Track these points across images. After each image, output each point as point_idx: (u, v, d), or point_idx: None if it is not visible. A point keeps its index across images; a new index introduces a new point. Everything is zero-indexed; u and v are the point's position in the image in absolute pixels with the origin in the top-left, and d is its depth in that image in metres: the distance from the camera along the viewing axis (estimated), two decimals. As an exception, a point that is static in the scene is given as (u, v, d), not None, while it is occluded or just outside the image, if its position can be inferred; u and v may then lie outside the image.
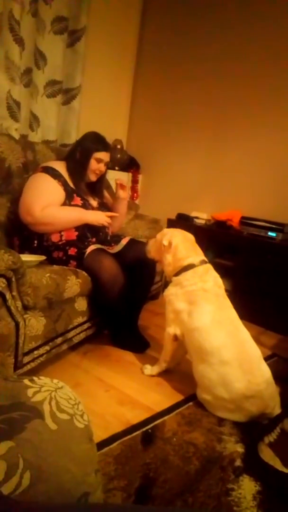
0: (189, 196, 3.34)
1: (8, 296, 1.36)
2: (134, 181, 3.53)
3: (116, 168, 3.34)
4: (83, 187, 2.05)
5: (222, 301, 1.63)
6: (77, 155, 2.02)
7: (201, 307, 1.58)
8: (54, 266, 1.76)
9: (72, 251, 1.88)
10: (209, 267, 1.72)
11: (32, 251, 1.88)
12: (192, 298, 1.62)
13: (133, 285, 1.94)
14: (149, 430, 1.41)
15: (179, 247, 1.72)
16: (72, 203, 1.95)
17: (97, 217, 1.95)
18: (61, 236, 1.89)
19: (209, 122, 3.18)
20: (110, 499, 1.08)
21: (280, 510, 1.12)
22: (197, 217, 3.11)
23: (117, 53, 3.37)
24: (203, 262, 1.71)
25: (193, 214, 3.15)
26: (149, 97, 3.55)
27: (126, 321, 2.06)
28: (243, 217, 2.84)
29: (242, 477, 1.23)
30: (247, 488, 1.19)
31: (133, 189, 3.54)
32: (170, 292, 1.71)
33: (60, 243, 1.89)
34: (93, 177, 2.07)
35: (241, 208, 2.96)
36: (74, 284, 1.69)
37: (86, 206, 2.00)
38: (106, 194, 2.28)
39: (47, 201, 1.83)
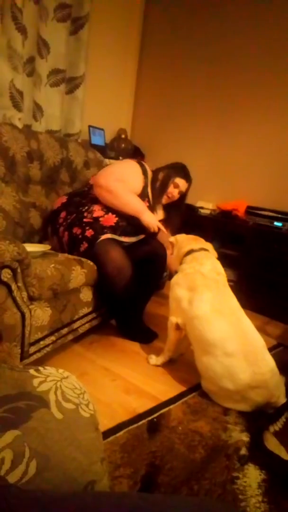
0: (194, 186, 3.27)
1: (13, 287, 1.37)
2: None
3: (121, 157, 3.32)
4: (156, 205, 2.20)
5: (222, 288, 1.63)
6: (161, 174, 2.19)
7: (200, 294, 1.59)
8: (59, 255, 1.76)
9: (89, 232, 1.90)
10: (208, 253, 1.78)
11: (68, 216, 1.99)
12: (192, 284, 1.64)
13: (142, 277, 1.94)
14: (155, 419, 1.42)
15: (183, 239, 1.89)
16: None
17: (151, 220, 2.02)
18: (103, 215, 1.96)
19: (214, 111, 3.14)
20: (116, 486, 1.09)
21: (285, 499, 1.13)
22: (202, 207, 3.09)
23: (121, 41, 3.32)
24: (202, 249, 1.79)
25: (199, 204, 3.13)
26: (154, 85, 3.51)
27: (133, 312, 2.07)
28: (249, 207, 2.82)
29: (247, 466, 1.24)
30: (252, 477, 1.20)
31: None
32: (174, 280, 1.76)
33: (90, 221, 1.94)
34: (164, 200, 2.22)
35: (247, 197, 2.93)
36: (79, 274, 1.69)
37: None
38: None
39: (125, 179, 2.02)
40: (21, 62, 2.32)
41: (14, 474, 0.53)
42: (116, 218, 1.99)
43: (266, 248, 2.63)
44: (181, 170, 2.23)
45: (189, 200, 3.12)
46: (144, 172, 2.14)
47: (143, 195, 2.11)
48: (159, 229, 2.07)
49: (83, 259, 1.80)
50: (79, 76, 2.78)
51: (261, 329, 2.31)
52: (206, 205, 3.10)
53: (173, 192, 2.20)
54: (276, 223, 2.63)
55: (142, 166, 2.15)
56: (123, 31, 3.29)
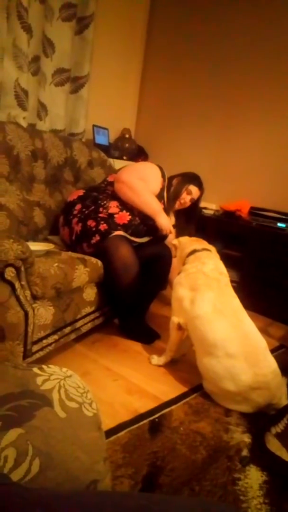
0: (197, 186, 3.31)
1: (17, 285, 1.37)
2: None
3: (124, 157, 3.32)
4: (169, 211, 2.24)
5: (224, 288, 1.63)
6: (175, 181, 2.25)
7: (202, 294, 1.59)
8: (63, 254, 1.76)
9: (103, 226, 1.93)
10: (210, 253, 1.80)
11: (84, 209, 2.02)
12: (194, 283, 1.64)
13: (147, 277, 1.96)
14: (157, 419, 1.42)
15: (186, 241, 1.92)
16: None
17: (166, 222, 2.06)
18: (117, 212, 2.00)
19: (218, 112, 3.13)
20: (117, 486, 1.09)
21: (287, 500, 1.13)
22: (205, 208, 3.08)
23: (126, 41, 3.31)
24: (205, 249, 1.80)
25: (202, 204, 3.11)
26: (158, 86, 3.50)
27: (136, 312, 2.07)
28: (252, 208, 2.82)
29: (249, 467, 1.24)
30: (253, 478, 1.19)
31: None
32: (176, 280, 1.77)
33: (106, 216, 1.97)
34: (177, 205, 2.27)
35: (250, 198, 2.93)
36: (82, 273, 1.69)
37: None
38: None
39: (146, 179, 2.08)
40: (26, 61, 2.32)
41: (18, 472, 0.54)
42: (130, 217, 2.01)
43: (269, 249, 2.62)
44: (194, 178, 2.28)
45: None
46: (163, 175, 2.20)
47: (159, 197, 2.15)
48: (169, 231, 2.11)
49: (87, 258, 1.80)
50: (84, 76, 2.78)
51: (263, 331, 2.31)
52: (210, 205, 3.10)
53: (185, 199, 2.25)
54: (279, 224, 2.62)
55: (161, 169, 2.21)
56: (128, 31, 3.29)
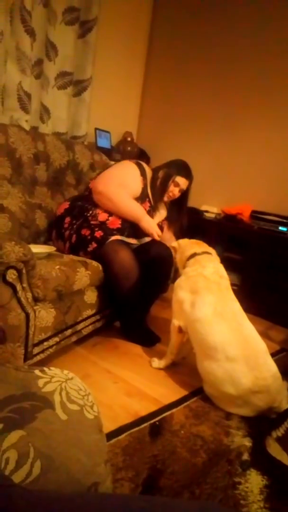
0: (199, 189, 3.29)
1: (18, 287, 1.37)
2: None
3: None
4: (157, 204, 2.20)
5: (224, 292, 1.63)
6: (161, 173, 2.18)
7: (202, 297, 1.59)
8: (64, 257, 1.77)
9: (98, 233, 1.92)
10: (211, 256, 1.80)
11: (74, 221, 2.00)
12: (194, 286, 1.64)
13: (147, 280, 1.95)
14: (157, 423, 1.41)
15: (186, 243, 1.91)
16: (142, 205, 2.09)
17: (150, 226, 2.04)
18: (107, 219, 1.98)
19: (220, 115, 3.14)
20: (118, 489, 1.09)
21: (287, 505, 1.12)
22: (207, 211, 3.09)
23: (128, 44, 3.33)
24: (205, 253, 1.80)
25: (203, 207, 3.13)
26: (160, 89, 3.52)
27: (137, 314, 2.07)
28: (253, 211, 2.82)
29: (249, 471, 1.23)
30: (254, 482, 1.19)
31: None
32: (177, 283, 1.77)
33: (98, 223, 1.96)
34: (165, 198, 2.21)
35: (252, 202, 2.93)
36: (83, 276, 1.70)
37: (149, 215, 2.12)
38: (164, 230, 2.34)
39: (125, 183, 2.02)
40: (29, 64, 2.34)
41: (19, 474, 0.54)
42: (120, 220, 2.01)
43: (271, 252, 2.62)
44: (181, 167, 2.19)
45: (194, 203, 3.13)
46: (143, 173, 2.13)
47: (143, 196, 2.11)
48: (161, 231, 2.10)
49: (88, 261, 1.81)
50: (87, 79, 2.80)
51: (264, 334, 2.31)
52: (211, 209, 3.10)
53: (173, 191, 2.18)
54: (281, 228, 2.63)
55: (140, 166, 2.14)
56: (131, 35, 3.31)
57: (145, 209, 2.10)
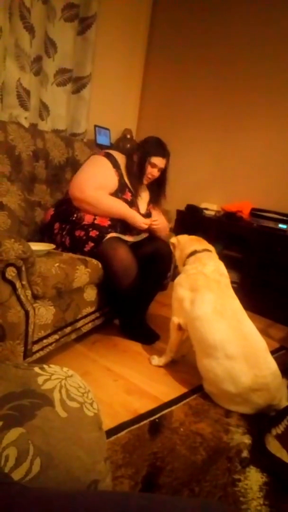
0: (199, 187, 3.31)
1: (18, 285, 1.37)
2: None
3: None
4: (138, 189, 2.13)
5: (224, 289, 1.63)
6: (135, 156, 2.09)
7: (202, 294, 1.59)
8: (64, 255, 1.77)
9: (93, 233, 1.90)
10: (211, 254, 1.78)
11: (63, 225, 1.95)
12: (194, 284, 1.64)
13: (146, 277, 1.94)
14: (157, 420, 1.41)
15: (186, 240, 1.88)
16: (123, 196, 2.04)
17: (136, 220, 2.00)
18: (94, 219, 1.95)
19: (219, 113, 3.13)
20: (117, 486, 1.09)
21: (287, 502, 1.13)
22: (206, 209, 3.08)
23: (128, 41, 3.32)
24: (205, 250, 1.79)
25: (203, 205, 3.13)
26: (160, 86, 3.51)
27: (136, 312, 2.07)
28: (253, 209, 2.81)
29: (248, 468, 1.24)
30: (253, 479, 1.19)
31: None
32: (176, 280, 1.76)
33: (88, 224, 1.93)
34: (145, 180, 2.13)
35: (252, 199, 2.93)
36: (83, 273, 1.70)
37: (133, 204, 2.08)
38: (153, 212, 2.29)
39: (100, 184, 1.95)
40: (28, 61, 2.32)
41: (18, 471, 0.54)
42: (107, 218, 1.98)
43: (270, 250, 2.62)
44: (155, 146, 2.09)
45: (194, 201, 3.13)
46: (115, 164, 2.04)
47: (121, 188, 2.05)
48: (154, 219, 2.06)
49: (88, 259, 1.80)
50: (86, 76, 2.79)
51: (264, 332, 2.31)
52: (211, 206, 3.10)
53: (152, 172, 2.10)
54: (280, 225, 2.62)
55: (110, 158, 2.05)
56: (130, 31, 3.30)
57: (127, 199, 2.06)
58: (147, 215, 2.19)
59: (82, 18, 2.66)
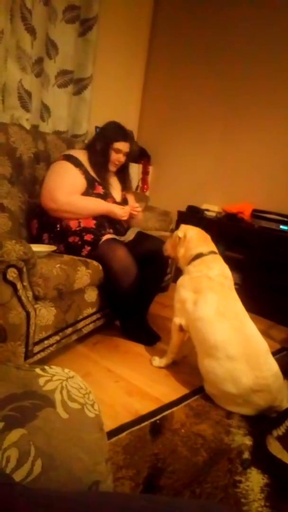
0: (200, 188, 3.31)
1: (19, 286, 1.37)
2: (145, 173, 3.51)
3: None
4: (107, 178, 2.08)
5: (228, 292, 1.63)
6: (97, 145, 2.04)
7: (205, 296, 1.58)
8: (65, 256, 1.77)
9: (88, 237, 1.89)
10: (217, 257, 1.75)
11: (52, 235, 1.92)
12: (197, 286, 1.63)
13: (145, 277, 1.94)
14: (158, 421, 1.41)
15: (192, 239, 1.78)
16: (95, 192, 1.99)
17: (114, 212, 1.97)
18: (79, 223, 1.92)
19: (220, 114, 3.13)
20: (118, 488, 1.09)
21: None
22: (207, 210, 3.08)
23: (129, 43, 3.32)
24: (212, 252, 1.75)
25: (204, 206, 3.13)
26: (161, 88, 3.51)
27: (137, 313, 2.07)
28: (254, 210, 2.81)
29: (250, 470, 1.24)
30: (254, 481, 1.19)
31: (144, 180, 3.52)
32: (179, 281, 1.75)
33: (77, 229, 1.91)
34: (112, 168, 2.10)
35: (253, 200, 2.93)
36: (84, 274, 1.70)
37: (107, 196, 2.03)
38: (128, 197, 2.26)
39: (69, 189, 1.88)
40: (30, 62, 2.33)
41: (20, 472, 0.54)
42: (91, 218, 1.96)
43: (272, 251, 2.62)
44: (115, 132, 2.06)
45: (195, 202, 3.13)
46: (77, 163, 1.96)
47: (90, 184, 1.98)
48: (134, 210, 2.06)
49: (88, 260, 1.81)
50: (87, 77, 2.79)
51: (265, 333, 2.30)
52: (212, 207, 3.10)
53: (118, 158, 2.07)
54: (282, 227, 2.62)
55: (70, 159, 1.96)
56: (131, 33, 3.30)
57: (100, 193, 2.00)
58: (124, 201, 2.16)
59: (83, 20, 2.67)
